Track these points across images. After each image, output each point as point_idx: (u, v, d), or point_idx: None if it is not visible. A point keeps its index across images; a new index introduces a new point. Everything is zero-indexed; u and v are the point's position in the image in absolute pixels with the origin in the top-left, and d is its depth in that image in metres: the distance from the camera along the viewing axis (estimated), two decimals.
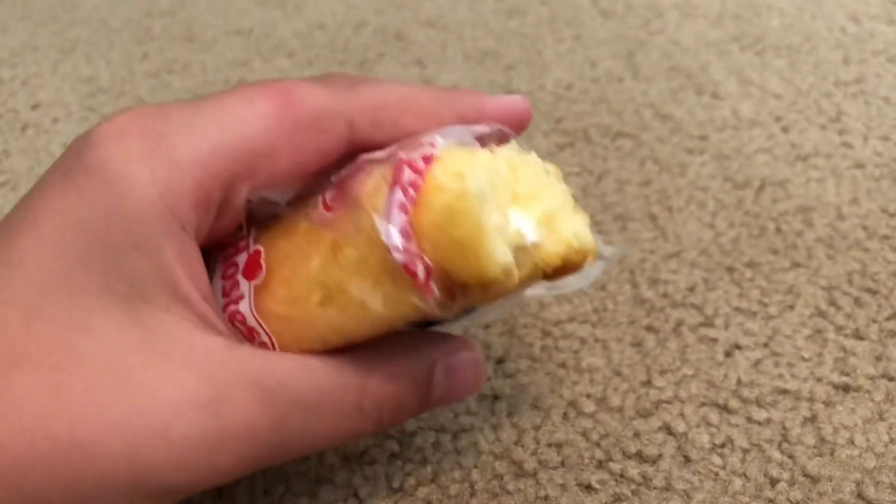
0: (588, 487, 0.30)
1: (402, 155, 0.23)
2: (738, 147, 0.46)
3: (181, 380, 0.23)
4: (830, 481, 0.30)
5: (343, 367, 0.25)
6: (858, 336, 0.35)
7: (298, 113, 0.24)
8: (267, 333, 0.25)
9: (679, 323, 0.36)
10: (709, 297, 0.37)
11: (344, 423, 0.25)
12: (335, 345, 0.25)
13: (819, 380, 0.33)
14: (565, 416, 0.33)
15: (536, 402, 0.33)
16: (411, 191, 0.22)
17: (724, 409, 0.33)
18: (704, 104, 0.50)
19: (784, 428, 0.32)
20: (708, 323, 0.36)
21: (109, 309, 0.23)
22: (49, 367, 0.22)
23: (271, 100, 0.24)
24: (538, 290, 0.27)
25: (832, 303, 0.37)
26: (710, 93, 0.51)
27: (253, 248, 0.26)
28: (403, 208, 0.22)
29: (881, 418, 0.32)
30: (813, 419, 0.32)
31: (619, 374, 0.34)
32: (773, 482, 0.30)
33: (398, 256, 0.22)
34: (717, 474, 0.31)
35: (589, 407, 0.33)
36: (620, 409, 0.33)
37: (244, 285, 0.26)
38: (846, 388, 0.33)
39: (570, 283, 0.26)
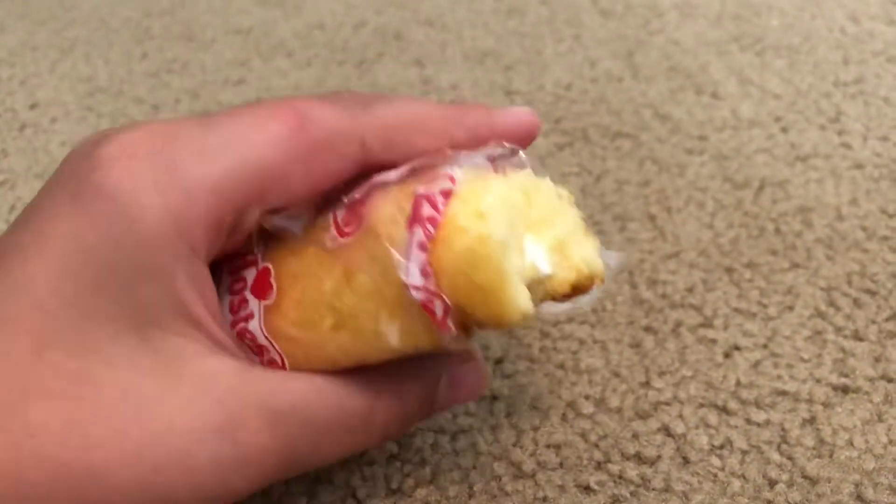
0: (587, 489, 0.30)
1: (421, 189, 0.22)
2: (737, 147, 0.46)
3: (195, 406, 0.23)
4: (829, 483, 0.30)
5: (351, 387, 0.25)
6: (858, 337, 0.35)
7: (312, 136, 0.24)
8: (277, 351, 0.25)
9: (678, 324, 0.36)
10: (708, 298, 0.37)
11: (352, 440, 0.26)
12: (345, 366, 0.25)
13: (818, 381, 0.33)
14: (564, 417, 0.33)
15: (535, 403, 0.33)
16: (430, 227, 0.22)
17: (723, 410, 0.33)
18: (704, 104, 0.50)
19: (783, 429, 0.32)
20: (707, 324, 0.36)
21: (121, 335, 0.22)
22: (63, 395, 0.22)
23: (285, 122, 0.24)
24: (541, 311, 0.27)
25: (831, 304, 0.37)
26: (710, 93, 0.51)
27: (262, 264, 0.26)
28: (423, 246, 0.22)
29: (880, 420, 0.32)
30: (812, 420, 0.32)
31: (617, 375, 0.34)
32: (772, 483, 0.30)
33: (417, 295, 0.22)
34: (715, 476, 0.30)
35: (587, 408, 0.33)
36: (619, 411, 0.33)
37: (254, 303, 0.26)
38: (845, 390, 0.33)
39: (574, 304, 0.26)
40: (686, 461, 0.31)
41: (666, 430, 0.32)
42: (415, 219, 0.22)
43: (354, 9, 0.63)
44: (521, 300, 0.22)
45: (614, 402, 0.33)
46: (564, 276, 0.24)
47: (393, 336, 0.23)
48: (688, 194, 0.43)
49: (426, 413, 0.28)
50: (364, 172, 0.25)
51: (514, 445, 0.32)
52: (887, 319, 0.36)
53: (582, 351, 0.35)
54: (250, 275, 0.26)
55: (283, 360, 0.25)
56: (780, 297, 0.37)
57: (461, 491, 0.31)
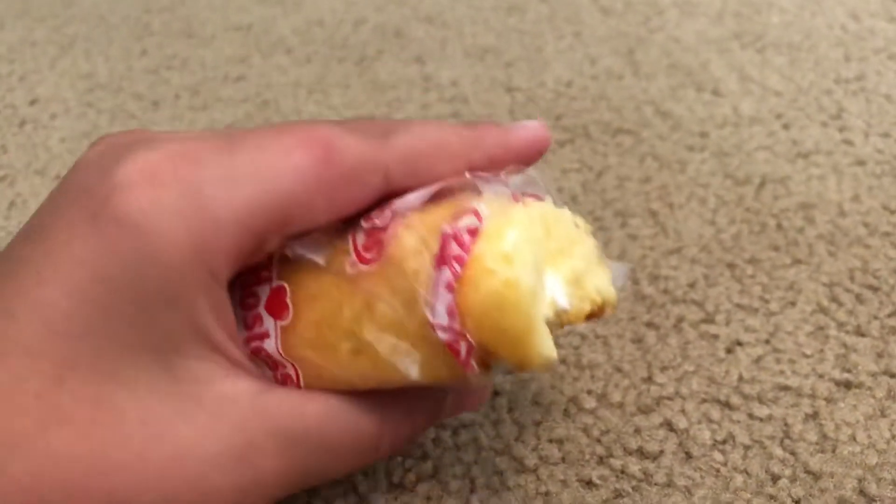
0: (589, 483, 0.30)
1: (447, 228, 0.22)
2: (738, 144, 0.46)
3: (214, 431, 0.23)
4: (832, 478, 0.30)
5: (363, 408, 0.25)
6: (860, 333, 0.35)
7: (337, 167, 0.23)
8: (293, 367, 0.25)
9: (680, 319, 0.36)
10: (710, 294, 0.37)
11: (360, 459, 0.26)
12: (360, 389, 0.25)
13: (821, 376, 0.33)
14: (566, 412, 0.33)
15: (537, 398, 0.33)
16: (456, 266, 0.22)
17: (726, 405, 0.33)
18: (705, 101, 0.50)
19: (786, 424, 0.32)
20: (709, 319, 0.36)
21: (140, 360, 0.22)
22: (84, 421, 0.22)
23: (311, 152, 0.23)
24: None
25: (833, 299, 0.37)
26: (711, 90, 0.51)
27: (276, 282, 0.26)
28: (450, 287, 0.22)
29: (883, 415, 0.32)
30: (815, 416, 0.32)
31: (619, 370, 0.34)
32: (775, 479, 0.30)
33: (443, 335, 0.22)
34: (718, 471, 0.30)
35: (590, 403, 0.33)
36: (621, 406, 0.33)
37: (269, 322, 0.26)
38: (848, 385, 0.33)
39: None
40: (688, 456, 0.31)
41: (668, 425, 0.32)
42: (442, 258, 0.22)
43: (354, 6, 0.63)
44: (546, 347, 0.22)
45: (616, 397, 0.33)
46: (580, 307, 0.24)
47: (413, 369, 0.24)
48: (689, 190, 0.43)
49: (432, 424, 0.29)
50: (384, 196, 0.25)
51: (517, 440, 0.32)
52: (890, 315, 0.36)
53: (584, 346, 0.35)
54: (264, 292, 0.26)
55: (297, 376, 0.25)
56: (782, 293, 0.37)
57: (463, 486, 0.31)
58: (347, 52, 0.58)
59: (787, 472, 0.30)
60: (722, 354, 0.34)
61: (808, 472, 0.30)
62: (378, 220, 0.24)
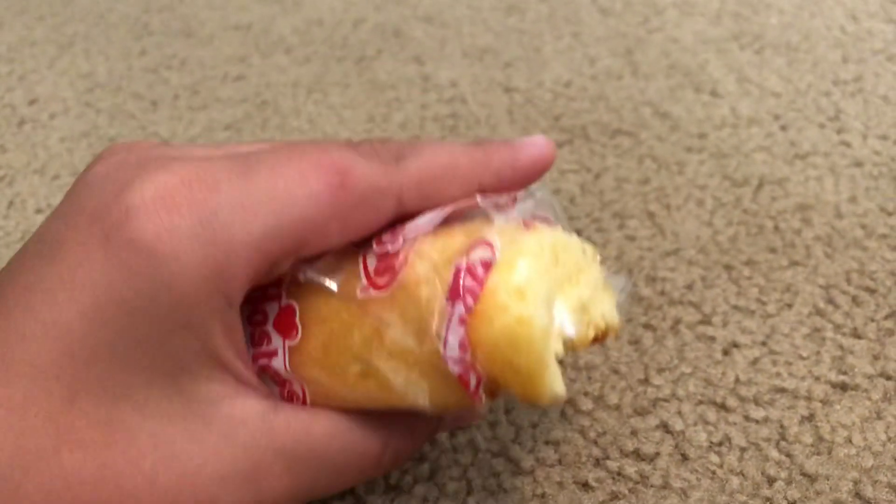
0: (585, 485, 0.30)
1: (462, 261, 0.23)
2: (736, 145, 0.46)
3: (223, 453, 0.23)
4: (828, 480, 0.30)
5: (367, 428, 0.26)
6: (856, 335, 0.35)
7: (352, 193, 0.24)
8: (300, 386, 0.26)
9: (677, 321, 0.36)
10: (707, 296, 0.37)
11: (363, 475, 0.27)
12: (366, 409, 0.26)
13: (817, 378, 0.33)
14: (563, 413, 0.33)
15: None
16: (470, 299, 0.22)
17: (722, 407, 0.33)
18: (703, 102, 0.50)
19: (782, 426, 0.32)
20: (706, 321, 0.36)
21: (152, 383, 0.23)
22: (95, 442, 0.22)
23: (326, 178, 0.23)
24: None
25: (830, 301, 0.37)
26: (709, 91, 0.51)
27: (285, 301, 0.26)
28: (462, 320, 0.22)
29: (879, 417, 0.32)
30: (811, 418, 0.32)
31: (616, 371, 0.34)
32: (771, 481, 0.30)
33: (454, 368, 0.23)
34: (714, 473, 0.30)
35: (586, 405, 0.33)
36: (618, 407, 0.33)
37: (277, 340, 0.26)
38: (844, 387, 0.33)
39: None
40: (685, 458, 0.31)
41: (665, 427, 0.32)
42: (455, 291, 0.22)
43: (353, 5, 0.63)
44: (556, 385, 0.23)
45: (613, 398, 0.33)
46: (585, 334, 0.25)
47: (421, 397, 0.24)
48: (687, 192, 0.43)
49: (431, 439, 0.30)
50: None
51: (513, 442, 0.32)
52: (886, 317, 0.36)
53: None
54: (272, 309, 0.26)
55: (304, 394, 0.26)
56: (778, 295, 0.37)
57: (460, 488, 0.31)
58: (346, 51, 0.58)
59: (783, 474, 0.30)
60: (719, 356, 0.35)
61: (803, 474, 0.30)
62: (390, 245, 0.24)
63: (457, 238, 0.24)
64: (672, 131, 0.48)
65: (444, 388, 0.24)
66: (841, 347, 0.35)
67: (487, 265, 0.23)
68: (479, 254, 0.23)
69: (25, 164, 0.49)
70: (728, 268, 0.39)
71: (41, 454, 0.21)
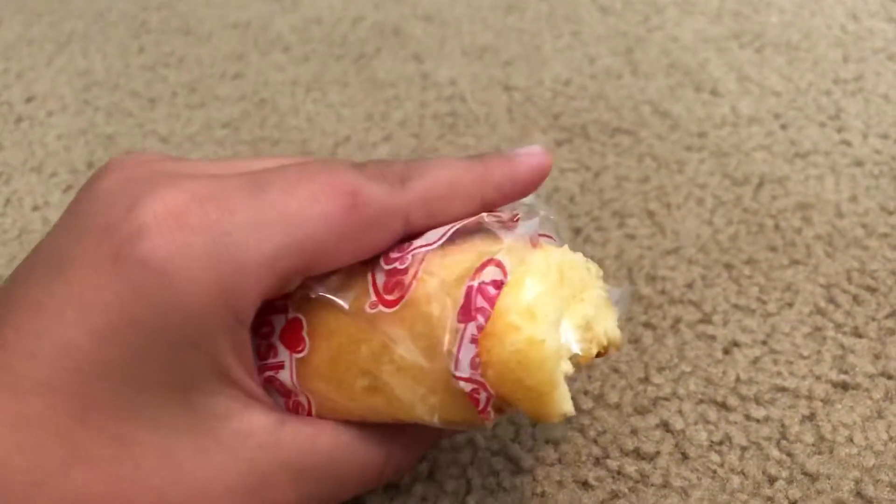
0: (585, 484, 0.30)
1: (472, 280, 0.23)
2: (736, 144, 0.46)
3: (230, 467, 0.24)
4: (829, 479, 0.30)
5: (370, 439, 0.26)
6: (857, 334, 0.35)
7: (362, 214, 0.24)
8: (306, 398, 0.26)
9: (677, 320, 0.36)
10: (707, 294, 0.37)
11: (366, 485, 0.27)
12: (371, 422, 0.26)
13: (818, 378, 0.33)
14: None
15: None
16: (481, 318, 0.23)
17: (723, 406, 0.32)
18: (703, 101, 0.50)
19: (783, 426, 0.32)
20: (706, 320, 0.36)
21: (161, 398, 0.23)
22: (106, 459, 0.22)
23: (337, 200, 0.24)
24: None
25: (831, 300, 0.36)
26: (709, 90, 0.51)
27: (292, 314, 0.26)
28: (474, 340, 0.23)
29: (880, 416, 0.32)
30: (812, 417, 0.32)
31: (616, 370, 0.34)
32: (772, 480, 0.30)
33: (465, 386, 0.23)
34: (715, 472, 0.30)
35: (586, 404, 0.33)
36: (618, 406, 0.33)
37: (284, 353, 0.26)
38: (845, 386, 0.33)
39: None
40: (685, 457, 0.31)
41: (665, 426, 0.32)
42: (467, 311, 0.23)
43: (352, 3, 0.63)
44: (566, 404, 0.23)
45: (613, 397, 0.33)
46: (588, 350, 0.25)
47: (429, 412, 0.24)
48: (687, 191, 0.43)
49: (432, 447, 0.30)
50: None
51: (513, 441, 0.32)
52: (887, 316, 0.36)
53: None
54: (279, 322, 0.26)
55: (309, 405, 0.26)
56: (779, 294, 0.37)
57: (459, 486, 0.30)
58: (345, 49, 0.58)
59: (784, 473, 0.30)
60: (719, 355, 0.34)
61: (804, 473, 0.30)
62: (398, 262, 0.25)
63: (465, 256, 0.24)
64: (672, 130, 0.47)
65: (453, 404, 0.24)
66: (842, 346, 0.34)
67: (498, 285, 0.23)
68: (490, 273, 0.23)
69: (22, 161, 0.49)
70: (728, 266, 0.38)
71: (53, 471, 0.22)
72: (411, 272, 0.24)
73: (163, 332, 0.22)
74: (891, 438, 0.31)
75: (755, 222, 0.41)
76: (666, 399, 0.33)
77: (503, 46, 0.57)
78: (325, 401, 0.26)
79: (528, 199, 0.28)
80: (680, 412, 0.32)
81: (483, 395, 0.23)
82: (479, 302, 0.23)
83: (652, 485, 0.30)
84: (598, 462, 0.31)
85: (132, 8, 0.64)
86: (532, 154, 0.27)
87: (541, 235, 0.26)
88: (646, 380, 0.34)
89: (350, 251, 0.24)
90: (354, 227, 0.24)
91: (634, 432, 0.32)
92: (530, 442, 0.32)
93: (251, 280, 0.23)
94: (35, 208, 0.45)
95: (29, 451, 0.22)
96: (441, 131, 0.49)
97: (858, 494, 0.29)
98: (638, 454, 0.31)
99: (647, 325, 0.36)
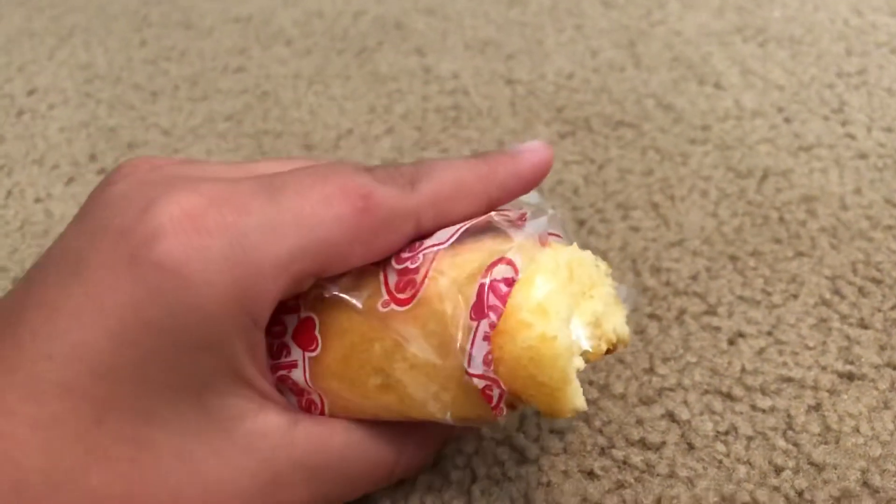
0: (591, 474, 0.30)
1: (484, 278, 0.23)
2: (740, 137, 0.46)
3: (244, 467, 0.24)
4: (836, 469, 0.30)
5: (382, 439, 0.27)
6: (863, 325, 0.35)
7: (374, 217, 0.24)
8: (319, 396, 0.26)
9: (682, 311, 0.36)
10: (712, 286, 0.37)
11: (376, 484, 0.28)
12: (384, 420, 0.26)
13: (824, 368, 0.33)
14: None
15: None
16: (494, 317, 0.23)
17: (728, 396, 0.32)
18: (707, 94, 0.50)
19: (789, 416, 0.31)
20: (711, 311, 0.36)
21: (177, 400, 0.23)
22: (122, 460, 0.23)
23: (351, 203, 0.24)
24: None
25: (836, 292, 0.36)
26: (713, 83, 0.51)
27: (304, 313, 0.26)
28: (486, 337, 0.23)
29: (886, 407, 0.32)
30: (818, 407, 0.32)
31: (621, 361, 0.34)
32: (778, 470, 0.30)
33: (479, 383, 0.23)
34: (721, 462, 0.30)
35: (592, 394, 0.33)
36: (623, 397, 0.33)
37: (297, 353, 0.26)
38: (851, 377, 0.33)
39: None
40: (691, 447, 0.31)
41: (671, 416, 0.32)
42: (479, 308, 0.23)
43: None
44: (578, 400, 0.23)
45: (618, 388, 0.33)
46: (598, 347, 0.25)
47: (442, 409, 0.24)
48: (691, 183, 0.43)
49: (442, 448, 0.31)
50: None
51: (518, 431, 0.32)
52: (893, 308, 0.36)
53: None
54: (291, 321, 0.27)
55: (322, 403, 0.26)
56: (784, 286, 0.37)
57: (464, 476, 0.30)
58: (347, 43, 0.57)
59: (791, 463, 0.30)
60: (724, 346, 0.34)
61: (811, 463, 0.30)
62: (409, 261, 0.25)
63: (476, 254, 0.24)
64: (675, 123, 0.47)
65: (466, 401, 0.24)
66: (847, 338, 0.34)
67: (510, 282, 0.23)
68: (501, 271, 0.24)
69: (24, 154, 0.49)
70: (733, 258, 0.38)
71: (70, 473, 0.22)
72: (423, 271, 0.24)
73: (179, 334, 0.22)
74: None
75: (760, 214, 0.41)
76: (671, 389, 0.33)
77: (506, 40, 0.56)
78: (338, 399, 0.26)
79: (535, 199, 0.29)
80: (685, 402, 0.32)
81: (496, 392, 0.23)
82: (492, 299, 0.23)
83: (658, 475, 0.30)
84: (603, 452, 0.31)
85: (133, 2, 0.64)
86: (534, 150, 0.28)
87: (549, 234, 0.26)
88: (651, 370, 0.34)
89: (362, 253, 0.25)
90: (367, 230, 0.24)
91: (640, 422, 0.32)
92: (535, 432, 0.32)
93: (267, 282, 0.23)
94: (37, 200, 0.45)
95: (47, 452, 0.22)
96: (444, 124, 0.49)
97: (865, 484, 0.29)
98: (644, 444, 0.31)
99: (652, 316, 0.36)
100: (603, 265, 0.27)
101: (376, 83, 0.53)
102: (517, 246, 0.24)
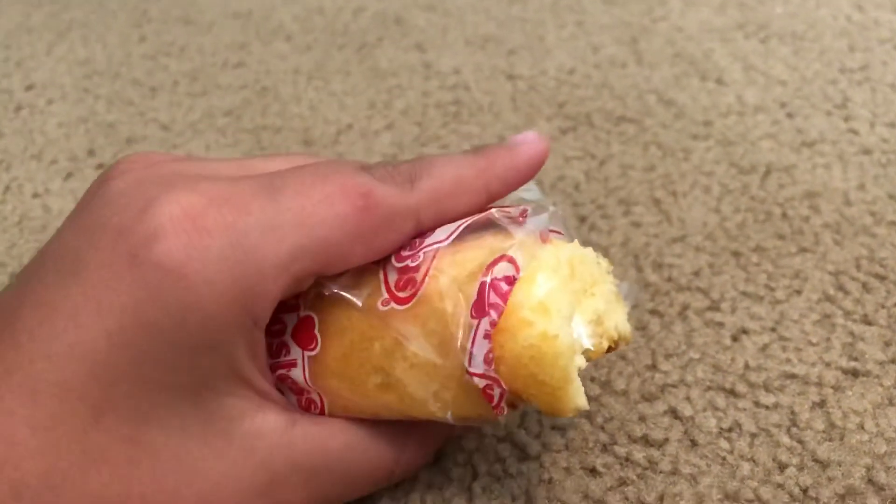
0: (593, 471, 0.30)
1: (484, 276, 0.23)
2: (743, 133, 0.46)
3: (242, 468, 0.24)
4: (840, 466, 0.29)
5: (381, 439, 0.27)
6: (867, 321, 0.35)
7: (375, 216, 0.24)
8: (318, 396, 0.26)
9: (685, 307, 0.36)
10: (715, 282, 0.37)
11: (376, 485, 0.28)
12: (384, 419, 0.26)
13: (828, 365, 0.33)
14: None
15: None
16: (495, 315, 0.23)
17: (731, 393, 0.32)
18: (709, 90, 0.49)
19: (793, 412, 0.31)
20: (714, 307, 0.36)
21: (176, 400, 0.23)
22: (121, 461, 0.22)
23: (351, 202, 0.24)
24: None
25: (840, 288, 0.36)
26: (715, 79, 0.50)
27: (304, 312, 0.26)
28: (487, 336, 0.23)
29: (891, 403, 0.31)
30: (822, 404, 0.31)
31: (623, 357, 0.34)
32: (782, 467, 0.30)
33: (479, 382, 0.23)
34: (724, 459, 0.30)
35: (594, 390, 0.32)
36: (625, 393, 0.32)
37: (296, 351, 0.26)
38: (855, 374, 0.33)
39: None
40: (694, 444, 0.30)
41: (673, 413, 0.31)
42: (480, 307, 0.23)
43: None
44: (579, 398, 0.23)
45: (620, 384, 0.33)
46: (599, 345, 0.25)
47: (442, 408, 0.24)
48: (693, 179, 0.43)
49: (441, 447, 0.30)
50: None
51: (519, 427, 0.31)
52: None
53: None
54: (290, 320, 0.26)
55: (322, 403, 0.26)
56: (787, 282, 0.37)
57: (465, 473, 0.30)
58: (347, 39, 0.57)
59: (795, 460, 0.30)
60: (727, 342, 0.34)
61: (815, 460, 0.30)
62: (409, 259, 0.25)
63: (476, 252, 0.24)
64: (677, 118, 0.47)
65: (466, 400, 0.24)
66: (851, 334, 0.34)
67: (511, 281, 0.23)
68: (502, 269, 0.23)
69: (22, 149, 0.48)
70: (736, 254, 0.38)
71: (69, 474, 0.22)
72: (423, 269, 0.24)
73: (178, 335, 0.22)
74: None
75: (762, 210, 0.40)
76: (674, 386, 0.32)
77: (506, 36, 0.56)
78: (338, 398, 0.26)
79: (536, 195, 0.28)
80: (688, 399, 0.32)
81: (497, 391, 0.23)
82: (493, 298, 0.23)
83: (661, 472, 0.30)
84: (605, 449, 0.31)
85: None
86: (530, 142, 0.27)
87: (550, 231, 0.26)
88: (653, 367, 0.33)
89: (363, 252, 0.25)
90: (367, 229, 0.24)
91: (642, 419, 0.31)
92: (537, 428, 0.31)
93: (268, 282, 0.23)
94: (35, 195, 0.45)
95: (46, 453, 0.22)
96: (444, 120, 0.49)
97: (870, 481, 0.29)
98: (646, 441, 0.31)
99: (653, 312, 0.36)
100: (604, 262, 0.27)
101: (376, 79, 0.53)
102: (518, 243, 0.24)
